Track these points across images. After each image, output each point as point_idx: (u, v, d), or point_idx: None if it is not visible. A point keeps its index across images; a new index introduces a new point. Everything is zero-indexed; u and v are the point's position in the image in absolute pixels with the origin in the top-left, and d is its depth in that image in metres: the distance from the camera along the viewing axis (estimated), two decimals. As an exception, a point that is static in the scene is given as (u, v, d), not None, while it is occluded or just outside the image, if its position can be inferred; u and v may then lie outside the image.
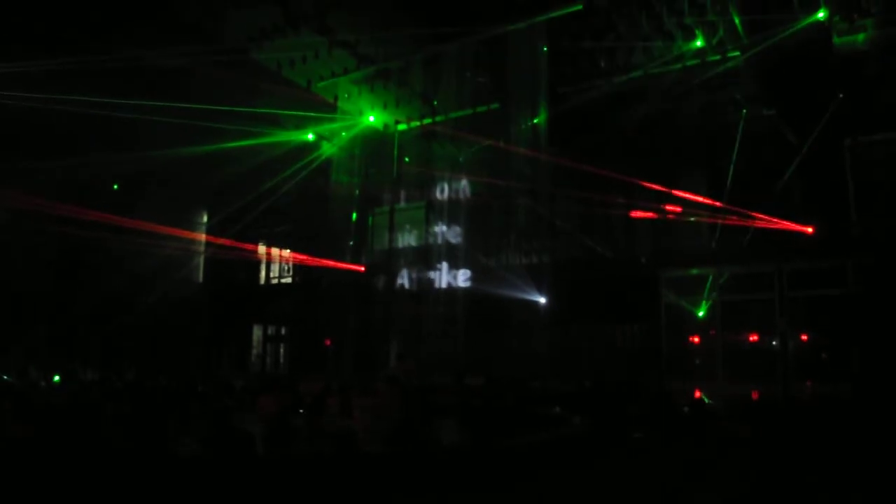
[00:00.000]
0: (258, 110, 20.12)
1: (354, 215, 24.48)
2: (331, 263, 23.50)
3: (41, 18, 15.63)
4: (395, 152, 23.62)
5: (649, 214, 18.70)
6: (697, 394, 14.62)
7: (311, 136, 22.79)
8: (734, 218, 17.60)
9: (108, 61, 15.27)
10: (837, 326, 15.45)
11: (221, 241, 23.77)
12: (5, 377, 14.94)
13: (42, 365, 16.35)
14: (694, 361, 17.62)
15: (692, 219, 18.85)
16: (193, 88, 17.82)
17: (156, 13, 16.55)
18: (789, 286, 16.46)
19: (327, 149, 23.75)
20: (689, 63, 17.75)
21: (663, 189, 18.57)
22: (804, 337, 16.34)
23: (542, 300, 19.27)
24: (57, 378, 15.50)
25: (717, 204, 17.92)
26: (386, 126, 23.53)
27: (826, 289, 16.13)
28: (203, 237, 26.12)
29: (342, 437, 6.84)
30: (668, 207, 18.59)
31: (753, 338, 17.08)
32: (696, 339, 17.64)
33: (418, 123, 22.83)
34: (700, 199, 18.72)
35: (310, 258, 24.45)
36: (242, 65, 18.73)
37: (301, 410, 10.71)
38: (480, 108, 20.52)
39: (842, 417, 11.39)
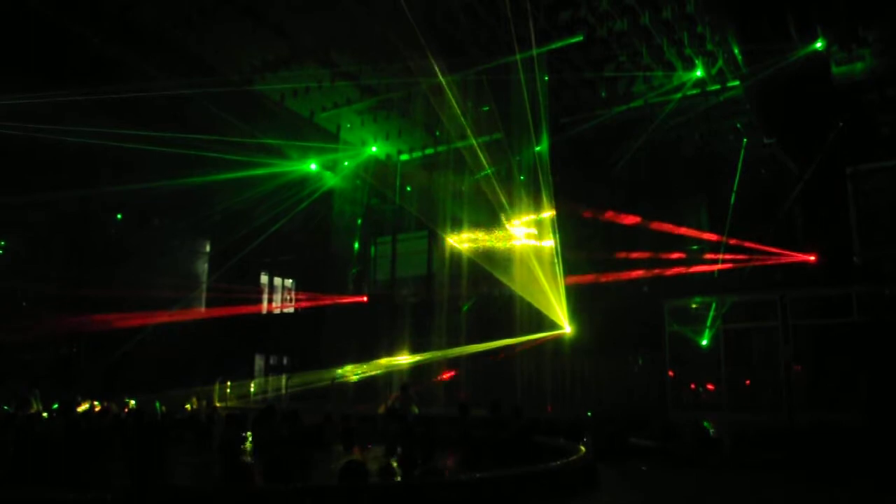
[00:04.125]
0: (262, 141, 20.25)
1: (357, 245, 24.50)
2: (333, 298, 23.55)
3: (44, 51, 15.83)
4: (398, 182, 23.71)
5: (648, 254, 18.73)
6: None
7: (313, 167, 22.89)
8: (736, 247, 17.61)
9: (112, 93, 15.43)
10: (843, 355, 15.32)
11: (224, 270, 23.77)
12: (6, 407, 14.86)
13: (43, 394, 16.27)
14: (698, 391, 17.48)
15: (695, 248, 18.85)
16: (197, 119, 17.96)
17: (160, 45, 16.74)
18: (794, 315, 16.37)
19: (330, 179, 23.86)
20: (690, 93, 17.87)
21: (666, 218, 18.61)
22: (810, 366, 16.21)
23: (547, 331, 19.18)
24: (55, 406, 15.45)
25: (719, 238, 17.94)
26: (388, 156, 23.65)
27: (831, 318, 16.02)
28: (206, 267, 26.12)
29: (343, 468, 6.78)
30: (671, 237, 18.61)
31: (758, 366, 16.95)
32: (700, 368, 17.52)
33: (420, 154, 22.96)
34: (702, 229, 18.76)
35: (312, 288, 24.47)
36: (246, 96, 18.91)
37: (301, 440, 10.63)
38: (482, 139, 20.62)
39: (850, 445, 11.27)
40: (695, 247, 18.97)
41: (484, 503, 7.29)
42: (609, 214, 18.76)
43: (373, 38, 16.70)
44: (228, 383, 22.40)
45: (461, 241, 22.10)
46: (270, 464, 6.94)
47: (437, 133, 21.66)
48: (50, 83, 15.29)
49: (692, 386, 17.45)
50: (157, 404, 15.66)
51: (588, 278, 19.31)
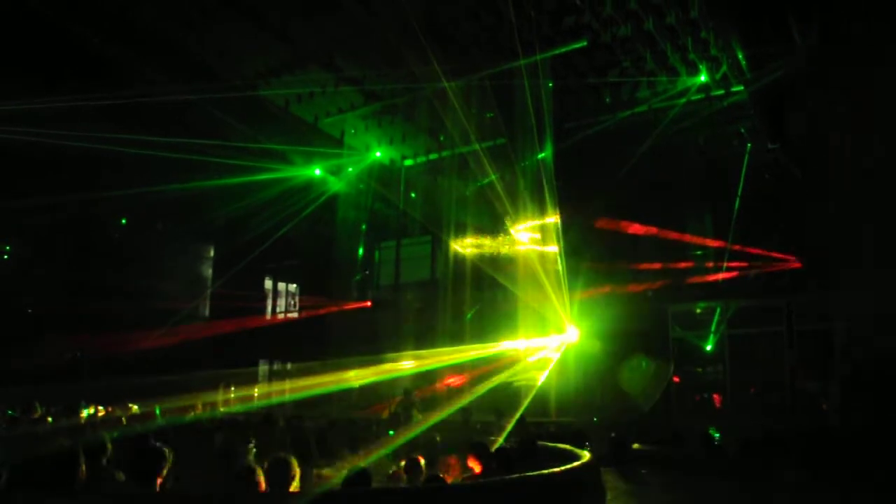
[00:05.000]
0: (266, 146, 20.28)
1: (361, 250, 24.49)
2: (337, 303, 23.52)
3: (47, 56, 15.87)
4: (402, 187, 23.71)
5: (652, 259, 18.67)
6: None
7: (317, 172, 22.91)
8: (740, 252, 17.56)
9: (115, 98, 15.46)
10: (846, 358, 15.26)
11: (228, 275, 23.78)
12: (10, 412, 14.87)
13: (46, 399, 16.26)
14: (703, 396, 17.44)
15: (699, 253, 18.80)
16: (201, 124, 17.99)
17: (161, 47, 16.75)
18: (798, 319, 16.31)
19: (334, 184, 23.88)
20: (694, 98, 17.85)
21: (670, 223, 18.56)
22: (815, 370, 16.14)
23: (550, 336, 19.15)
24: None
25: (723, 243, 17.89)
26: (392, 161, 23.65)
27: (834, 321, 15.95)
28: (210, 272, 26.15)
29: (347, 474, 6.76)
30: (675, 243, 18.57)
31: (762, 372, 16.89)
32: (705, 373, 17.48)
33: (425, 159, 22.96)
34: (707, 234, 18.70)
35: (316, 293, 24.45)
36: (250, 101, 18.93)
37: (305, 445, 10.59)
38: (486, 144, 20.59)
39: (854, 448, 11.21)
40: (699, 252, 18.92)
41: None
42: (613, 220, 18.71)
43: (376, 43, 16.72)
44: (232, 388, 22.39)
45: (465, 247, 22.07)
46: (273, 469, 6.91)
47: (441, 138, 21.66)
48: (51, 86, 15.32)
49: (696, 398, 17.44)
50: (157, 410, 15.62)
51: (592, 284, 19.26)
